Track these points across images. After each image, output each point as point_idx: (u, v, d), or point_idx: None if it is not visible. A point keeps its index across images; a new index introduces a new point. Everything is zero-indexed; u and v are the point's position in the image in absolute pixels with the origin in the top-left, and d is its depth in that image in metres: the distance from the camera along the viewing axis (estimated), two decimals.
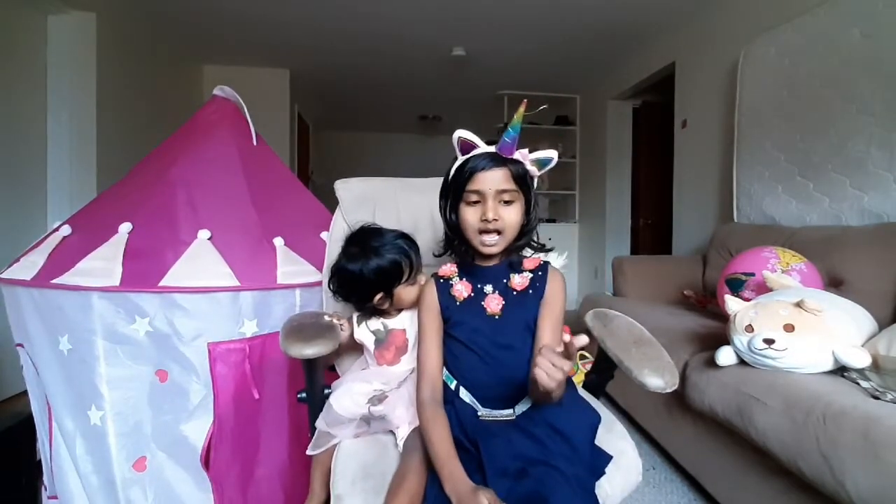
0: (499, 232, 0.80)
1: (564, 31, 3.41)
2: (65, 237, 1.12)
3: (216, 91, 1.38)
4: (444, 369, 0.86)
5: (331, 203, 1.30)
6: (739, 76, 2.45)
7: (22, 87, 2.36)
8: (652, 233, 4.18)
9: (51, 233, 1.16)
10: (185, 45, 3.63)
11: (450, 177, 0.84)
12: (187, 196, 1.16)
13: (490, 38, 3.53)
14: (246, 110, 1.37)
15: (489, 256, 0.84)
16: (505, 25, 3.32)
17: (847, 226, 1.81)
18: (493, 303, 0.83)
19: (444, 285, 0.87)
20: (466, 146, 0.82)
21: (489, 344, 0.81)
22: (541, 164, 0.84)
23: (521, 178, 0.81)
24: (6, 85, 2.25)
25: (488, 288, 0.84)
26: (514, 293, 0.83)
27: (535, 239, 0.88)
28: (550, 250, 0.90)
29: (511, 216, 0.80)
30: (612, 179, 4.33)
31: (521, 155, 0.81)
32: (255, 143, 1.37)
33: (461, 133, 0.82)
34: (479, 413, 0.80)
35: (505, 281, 0.85)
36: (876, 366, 1.05)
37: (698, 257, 2.51)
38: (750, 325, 1.16)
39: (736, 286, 1.56)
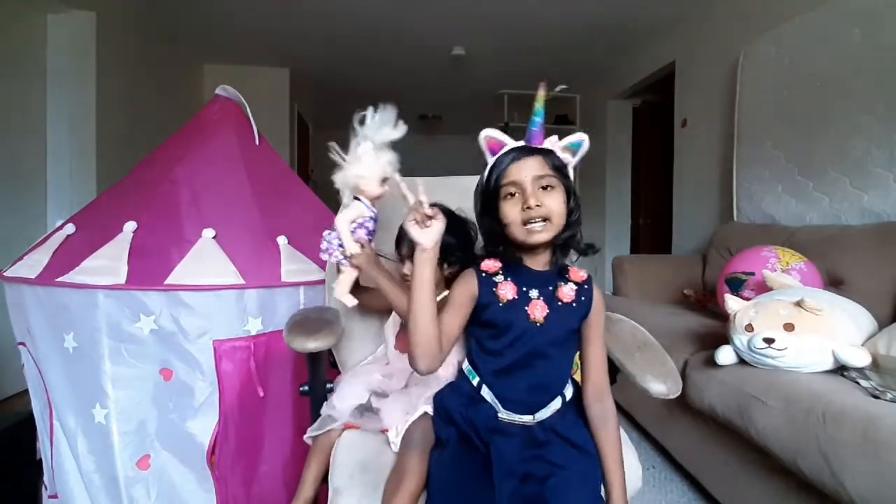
0: (544, 219, 0.74)
1: (564, 31, 3.41)
2: (69, 236, 1.12)
3: (218, 91, 1.38)
4: (466, 362, 0.85)
5: (331, 202, 1.31)
6: (739, 76, 2.45)
7: (22, 86, 2.36)
8: (652, 232, 4.19)
9: (54, 231, 1.17)
10: (185, 44, 3.63)
11: (482, 181, 0.80)
12: (191, 195, 1.16)
13: (490, 37, 3.53)
14: (248, 110, 1.37)
15: (537, 254, 0.80)
16: (505, 25, 3.33)
17: (847, 225, 1.82)
18: (538, 310, 0.77)
19: (486, 280, 0.80)
20: (494, 146, 0.79)
21: (527, 350, 0.77)
22: (573, 148, 0.80)
23: (557, 168, 0.77)
24: (6, 84, 2.25)
25: (534, 293, 0.79)
26: (560, 303, 0.79)
27: (580, 237, 0.81)
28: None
29: (553, 202, 0.75)
30: (612, 179, 4.34)
31: (551, 142, 0.78)
32: (257, 142, 1.37)
33: (489, 132, 0.79)
34: (500, 414, 0.78)
35: (551, 289, 0.80)
36: (876, 365, 1.05)
37: (698, 257, 2.52)
38: (750, 324, 1.16)
39: (736, 285, 1.57)
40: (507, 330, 0.78)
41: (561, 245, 0.80)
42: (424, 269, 0.72)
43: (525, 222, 0.74)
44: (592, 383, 0.82)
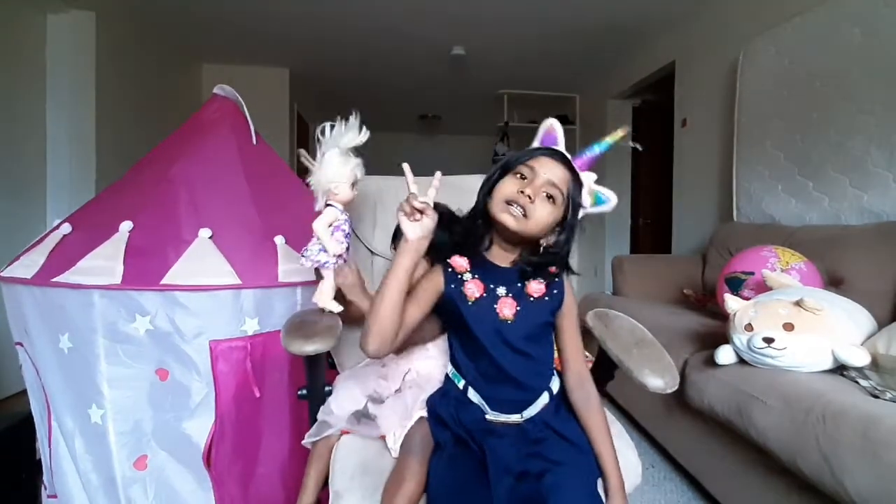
0: (524, 214, 0.74)
1: (564, 30, 3.41)
2: (65, 235, 1.12)
3: (216, 90, 1.37)
4: (451, 367, 0.86)
5: None
6: (739, 76, 2.45)
7: (21, 86, 2.36)
8: (652, 232, 4.19)
9: (51, 231, 1.16)
10: (184, 44, 3.62)
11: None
12: (188, 195, 1.16)
13: (489, 37, 3.53)
14: (246, 109, 1.37)
15: (504, 249, 0.81)
16: (504, 25, 3.32)
17: (846, 225, 1.81)
18: (507, 307, 0.78)
19: (453, 278, 0.81)
20: (547, 138, 0.81)
21: (502, 348, 0.78)
22: (597, 199, 0.81)
23: (572, 198, 0.77)
24: (6, 84, 2.25)
25: (501, 290, 0.79)
26: (531, 299, 0.79)
27: (552, 271, 0.81)
28: (561, 288, 0.83)
29: (543, 212, 0.75)
30: (612, 179, 4.32)
31: (586, 176, 0.80)
32: (254, 142, 1.37)
33: (556, 123, 0.81)
34: (487, 415, 0.79)
35: (519, 285, 0.80)
36: (875, 364, 1.05)
37: (698, 256, 2.52)
38: (749, 323, 1.16)
39: (735, 285, 1.57)
40: (479, 329, 0.78)
41: (527, 263, 0.80)
42: (404, 257, 0.73)
43: (509, 202, 0.75)
44: (572, 371, 0.84)
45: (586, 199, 0.80)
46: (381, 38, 3.54)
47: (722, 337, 1.29)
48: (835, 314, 1.13)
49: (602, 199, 0.82)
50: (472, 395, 0.80)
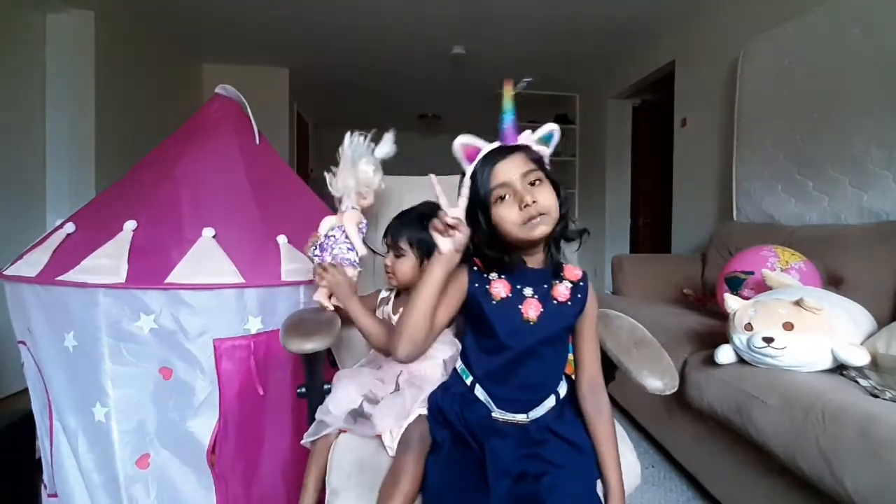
0: (541, 214, 0.74)
1: (564, 30, 3.41)
2: (68, 234, 1.12)
3: (218, 90, 1.38)
4: (460, 361, 0.86)
5: (331, 201, 1.31)
6: (739, 75, 2.45)
7: (21, 86, 2.36)
8: (651, 231, 4.20)
9: (54, 230, 1.17)
10: (184, 44, 3.62)
11: (464, 189, 0.77)
12: (191, 194, 1.16)
13: (489, 36, 3.53)
14: (248, 109, 1.37)
15: (534, 252, 0.80)
16: (504, 24, 3.33)
17: (846, 224, 1.82)
18: (532, 309, 0.78)
19: (479, 278, 0.80)
20: (471, 152, 0.78)
21: (519, 349, 0.78)
22: (545, 141, 0.81)
23: (538, 161, 0.77)
24: (5, 83, 2.25)
25: (528, 291, 0.79)
26: (556, 302, 0.79)
27: (573, 221, 0.81)
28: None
29: (546, 196, 0.75)
30: (612, 178, 4.33)
31: (525, 138, 0.79)
32: (257, 141, 1.37)
33: (462, 139, 0.78)
34: (493, 413, 0.79)
35: (546, 287, 0.80)
36: (875, 364, 1.05)
37: (698, 256, 2.52)
38: (749, 323, 1.16)
39: (735, 285, 1.57)
40: (500, 328, 0.78)
41: (554, 239, 0.80)
42: (436, 267, 0.74)
43: (525, 221, 0.73)
44: (587, 377, 0.83)
45: (543, 150, 0.80)
46: (381, 38, 3.55)
47: (722, 336, 1.29)
48: (835, 314, 1.13)
49: (548, 136, 0.81)
50: (479, 392, 0.80)
